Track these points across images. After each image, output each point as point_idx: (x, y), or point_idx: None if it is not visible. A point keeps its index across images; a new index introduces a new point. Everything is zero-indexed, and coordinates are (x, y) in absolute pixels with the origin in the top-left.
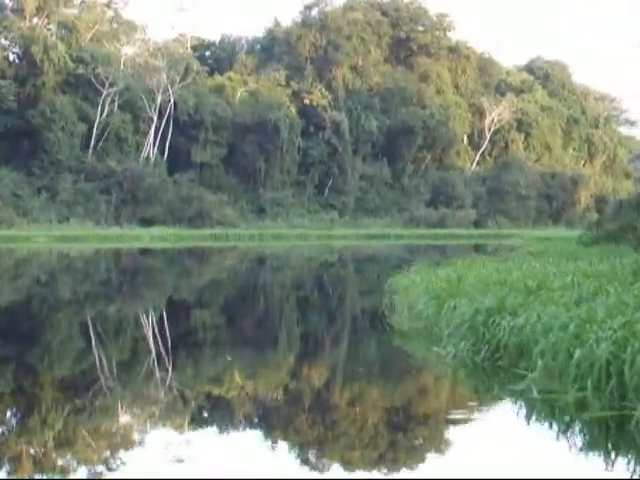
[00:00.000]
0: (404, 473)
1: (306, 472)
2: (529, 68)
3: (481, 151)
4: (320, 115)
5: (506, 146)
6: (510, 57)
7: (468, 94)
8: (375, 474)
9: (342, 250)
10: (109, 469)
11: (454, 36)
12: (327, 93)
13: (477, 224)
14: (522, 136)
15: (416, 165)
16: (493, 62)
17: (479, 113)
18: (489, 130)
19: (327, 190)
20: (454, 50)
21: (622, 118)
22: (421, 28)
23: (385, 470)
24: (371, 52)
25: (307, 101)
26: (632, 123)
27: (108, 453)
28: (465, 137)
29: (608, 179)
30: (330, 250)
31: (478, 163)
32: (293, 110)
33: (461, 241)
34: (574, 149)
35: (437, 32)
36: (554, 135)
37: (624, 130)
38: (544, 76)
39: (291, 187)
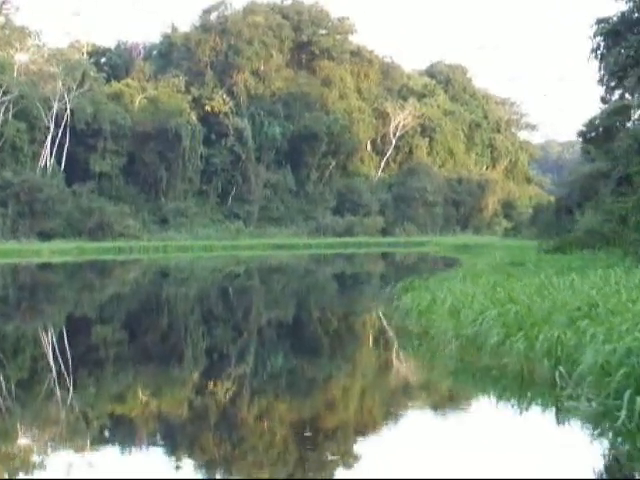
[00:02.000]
0: None
1: None
2: (430, 72)
3: (386, 157)
4: (222, 122)
5: (410, 152)
6: (411, 61)
7: (371, 99)
8: None
9: (248, 261)
10: None
11: (356, 40)
12: (229, 99)
13: (385, 232)
14: (426, 141)
15: (320, 172)
16: (395, 66)
17: (383, 118)
18: (394, 135)
19: (231, 199)
20: (356, 54)
21: (522, 122)
22: (323, 31)
23: None
24: (273, 56)
25: (208, 108)
26: (533, 127)
27: (6, 477)
28: (369, 143)
29: (511, 184)
30: (236, 261)
31: (383, 169)
32: (194, 117)
33: (371, 249)
34: (477, 154)
35: (339, 36)
36: (457, 140)
37: (525, 134)
38: (445, 80)
39: (194, 197)
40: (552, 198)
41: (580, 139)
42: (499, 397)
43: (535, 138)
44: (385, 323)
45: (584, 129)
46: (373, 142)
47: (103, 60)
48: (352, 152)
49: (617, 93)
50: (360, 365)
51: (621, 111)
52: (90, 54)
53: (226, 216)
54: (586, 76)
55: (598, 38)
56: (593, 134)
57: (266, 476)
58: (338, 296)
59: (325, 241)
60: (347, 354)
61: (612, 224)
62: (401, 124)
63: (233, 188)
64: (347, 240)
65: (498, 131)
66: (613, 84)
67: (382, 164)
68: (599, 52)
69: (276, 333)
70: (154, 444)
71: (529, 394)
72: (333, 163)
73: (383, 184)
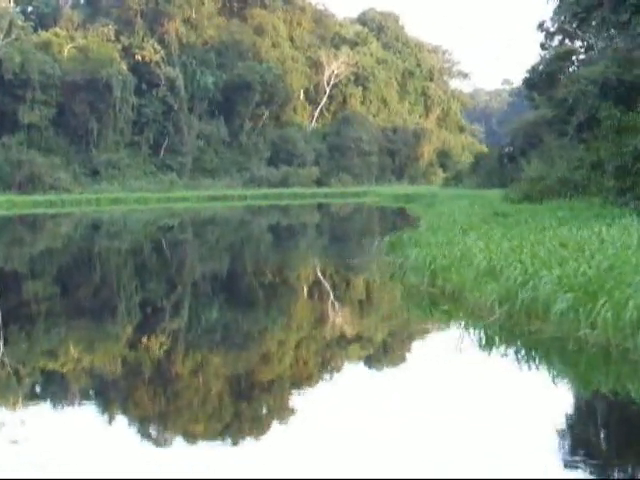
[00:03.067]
0: None
1: (148, 446)
2: (362, 20)
3: (320, 107)
4: (153, 71)
5: (344, 101)
6: (343, 9)
7: (304, 47)
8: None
9: (182, 213)
10: None
11: None
12: (160, 48)
13: (320, 182)
14: (360, 90)
15: (254, 122)
16: (328, 14)
17: (316, 67)
18: (327, 85)
19: (163, 150)
20: (289, 2)
21: (454, 70)
22: None
23: None
24: (204, 4)
25: (139, 57)
26: (465, 75)
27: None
28: (302, 92)
29: (445, 133)
30: (170, 213)
31: (317, 119)
32: (125, 67)
33: (306, 200)
34: (410, 103)
35: None
36: (390, 89)
37: (457, 83)
38: (378, 28)
39: (126, 148)
40: (484, 147)
41: (511, 87)
42: (590, 381)
43: (464, 87)
44: (390, 285)
45: (527, 76)
46: (306, 91)
47: (30, 9)
48: (286, 102)
49: (557, 39)
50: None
51: (564, 57)
52: (17, 2)
53: (159, 168)
54: (520, 24)
55: None
56: (536, 81)
57: (201, 429)
58: (275, 249)
59: (260, 192)
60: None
61: (584, 171)
62: (334, 73)
63: (165, 139)
64: (282, 191)
65: (431, 80)
66: (553, 29)
67: (316, 114)
68: None
69: (210, 287)
70: (87, 400)
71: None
72: (267, 113)
73: (317, 134)
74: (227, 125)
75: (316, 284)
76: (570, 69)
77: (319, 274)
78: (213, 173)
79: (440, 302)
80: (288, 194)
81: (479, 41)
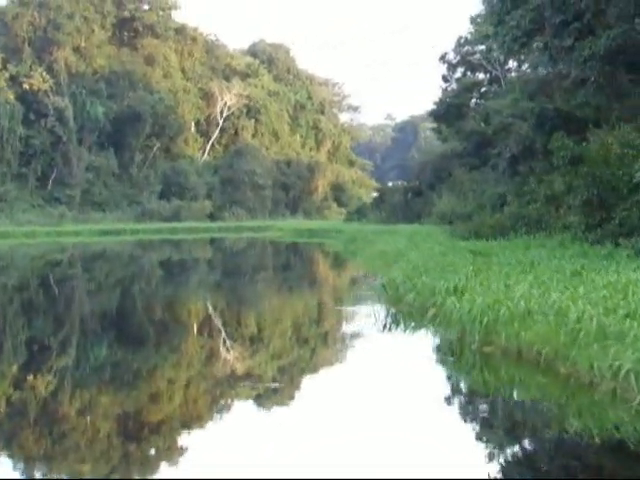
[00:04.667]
0: None
1: None
2: (253, 52)
3: (212, 139)
4: (41, 101)
5: (236, 133)
6: (233, 40)
7: (196, 78)
8: None
9: (72, 247)
10: None
11: (180, 16)
12: (49, 77)
13: (213, 216)
14: (252, 122)
15: (145, 154)
16: (219, 45)
17: (208, 99)
18: (220, 116)
19: (51, 182)
20: (180, 31)
21: (345, 104)
22: (146, 7)
23: None
24: (94, 32)
25: (27, 86)
26: (355, 108)
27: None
28: (194, 124)
29: (338, 166)
30: (60, 248)
31: (209, 152)
32: (12, 96)
33: (200, 235)
34: (302, 136)
35: (162, 12)
36: (282, 121)
37: (347, 116)
38: (268, 60)
39: (13, 180)
40: (374, 182)
41: (415, 119)
42: None
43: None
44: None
45: (435, 108)
46: (198, 123)
47: None
48: (177, 134)
49: (459, 71)
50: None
51: (471, 88)
52: None
53: (47, 200)
54: (405, 57)
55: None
56: (443, 113)
57: (88, 470)
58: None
59: (152, 226)
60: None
61: (538, 205)
62: (226, 105)
63: (54, 171)
64: (175, 225)
65: (322, 113)
66: (456, 61)
67: (208, 146)
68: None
69: (97, 324)
70: None
71: None
72: (158, 145)
73: (210, 167)
74: (117, 157)
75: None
76: (473, 101)
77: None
78: (103, 206)
79: (521, 371)
80: (181, 228)
81: (363, 75)
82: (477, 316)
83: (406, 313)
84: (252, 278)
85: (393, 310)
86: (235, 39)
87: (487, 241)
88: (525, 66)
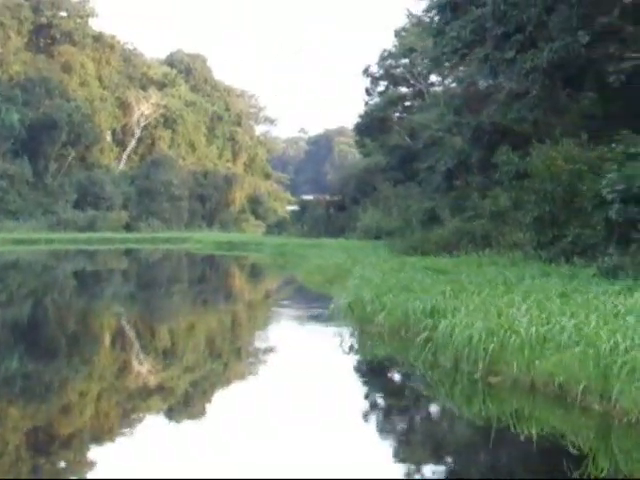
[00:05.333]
0: None
1: None
2: (170, 62)
3: (129, 149)
4: None
5: (153, 143)
6: (150, 49)
7: (113, 87)
8: None
9: None
10: None
11: (97, 24)
12: None
13: (129, 227)
14: (168, 133)
15: (60, 163)
16: (137, 54)
17: (124, 108)
18: (137, 126)
19: None
20: (98, 39)
21: (261, 116)
22: (63, 14)
23: None
24: (10, 38)
25: None
26: (271, 121)
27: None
28: (110, 133)
29: (255, 179)
30: None
31: (126, 162)
32: None
33: (115, 245)
34: (218, 147)
35: (79, 19)
36: (199, 132)
37: (263, 128)
38: (186, 70)
39: None
40: (289, 195)
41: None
42: None
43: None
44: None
45: (359, 121)
46: (114, 133)
47: None
48: (93, 143)
49: (383, 84)
50: None
51: (396, 102)
52: None
53: None
54: (321, 71)
55: (433, 12)
56: (367, 126)
57: None
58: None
59: (67, 236)
60: None
61: (484, 221)
62: (143, 115)
63: None
64: (90, 235)
65: (239, 124)
66: (379, 74)
67: (124, 156)
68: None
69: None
70: None
71: None
72: (73, 154)
73: (126, 177)
74: (32, 165)
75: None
76: (396, 114)
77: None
78: (17, 215)
79: (543, 406)
80: (97, 239)
81: (277, 88)
82: (479, 342)
83: (376, 335)
84: (177, 295)
85: (359, 331)
86: (153, 48)
87: (434, 257)
88: (449, 80)
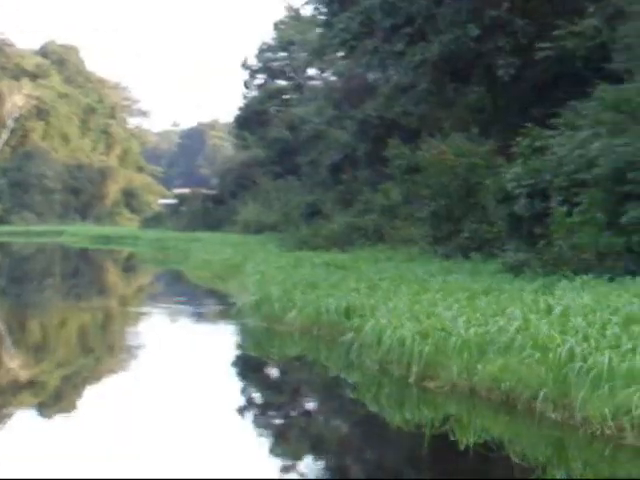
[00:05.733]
0: None
1: None
2: (43, 52)
3: (1, 140)
4: None
5: (26, 135)
6: (23, 40)
7: None
8: None
9: None
10: None
11: None
12: None
13: (1, 220)
14: (41, 124)
15: None
16: (9, 44)
17: None
18: (9, 117)
19: None
20: None
21: (135, 109)
22: None
23: None
24: None
25: None
26: (144, 113)
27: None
28: None
29: (130, 172)
30: None
31: None
32: None
33: None
34: (92, 140)
35: None
36: (72, 124)
37: (137, 121)
38: (59, 61)
39: None
40: (163, 188)
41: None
42: None
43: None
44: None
45: (240, 114)
46: None
47: None
48: None
49: (261, 77)
50: None
51: (275, 95)
52: None
53: None
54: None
55: (315, 4)
56: (247, 119)
57: None
58: None
59: None
60: None
61: (375, 216)
62: (16, 105)
63: None
64: None
65: (112, 117)
66: (257, 67)
67: None
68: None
69: None
70: None
71: None
72: None
73: None
74: None
75: None
76: (275, 108)
77: None
78: None
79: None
80: None
81: (150, 81)
82: (412, 344)
83: (286, 334)
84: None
85: (268, 330)
86: (25, 39)
87: (326, 252)
88: (327, 73)
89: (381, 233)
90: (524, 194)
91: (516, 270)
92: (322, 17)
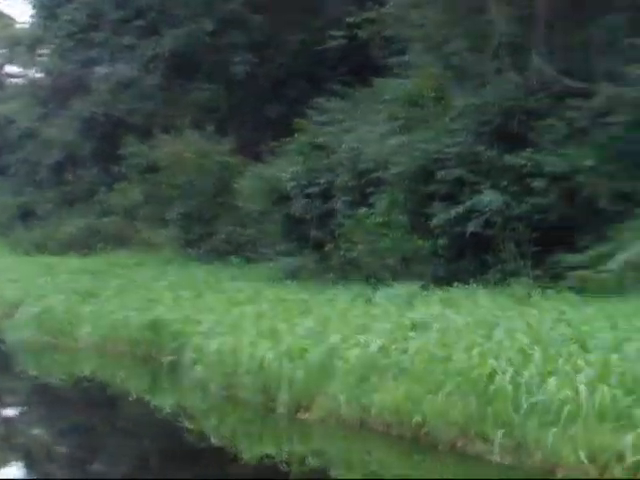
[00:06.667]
0: None
1: None
2: None
3: None
4: None
5: None
6: None
7: None
8: None
9: None
10: None
11: None
12: None
13: None
14: None
15: None
16: None
17: None
18: None
19: None
20: None
21: None
22: None
23: None
24: None
25: None
26: None
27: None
28: None
29: None
30: None
31: None
32: None
33: None
34: None
35: None
36: None
37: None
38: None
39: None
40: None
41: None
42: None
43: None
44: None
45: None
46: None
47: None
48: None
49: None
50: None
51: None
52: None
53: None
54: None
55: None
56: None
57: None
58: None
59: None
60: None
61: (117, 219)
62: None
63: None
64: None
65: None
66: None
67: None
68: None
69: None
70: None
71: None
72: None
73: None
74: None
75: None
76: None
77: None
78: None
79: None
80: None
81: None
82: (278, 368)
83: (76, 350)
84: None
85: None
86: None
87: (66, 257)
88: (32, 71)
89: (123, 236)
90: (303, 194)
91: (293, 275)
92: (38, 9)
